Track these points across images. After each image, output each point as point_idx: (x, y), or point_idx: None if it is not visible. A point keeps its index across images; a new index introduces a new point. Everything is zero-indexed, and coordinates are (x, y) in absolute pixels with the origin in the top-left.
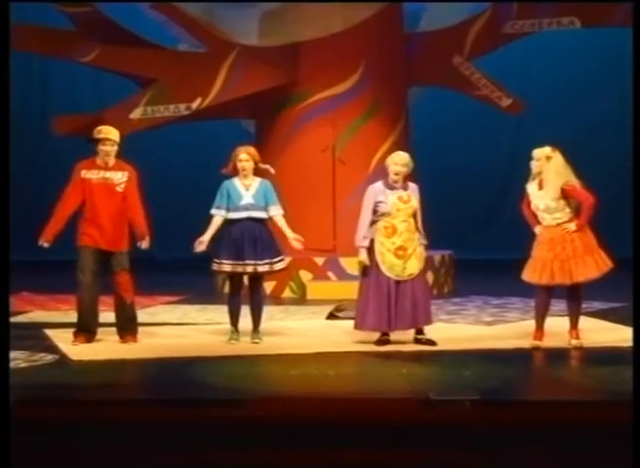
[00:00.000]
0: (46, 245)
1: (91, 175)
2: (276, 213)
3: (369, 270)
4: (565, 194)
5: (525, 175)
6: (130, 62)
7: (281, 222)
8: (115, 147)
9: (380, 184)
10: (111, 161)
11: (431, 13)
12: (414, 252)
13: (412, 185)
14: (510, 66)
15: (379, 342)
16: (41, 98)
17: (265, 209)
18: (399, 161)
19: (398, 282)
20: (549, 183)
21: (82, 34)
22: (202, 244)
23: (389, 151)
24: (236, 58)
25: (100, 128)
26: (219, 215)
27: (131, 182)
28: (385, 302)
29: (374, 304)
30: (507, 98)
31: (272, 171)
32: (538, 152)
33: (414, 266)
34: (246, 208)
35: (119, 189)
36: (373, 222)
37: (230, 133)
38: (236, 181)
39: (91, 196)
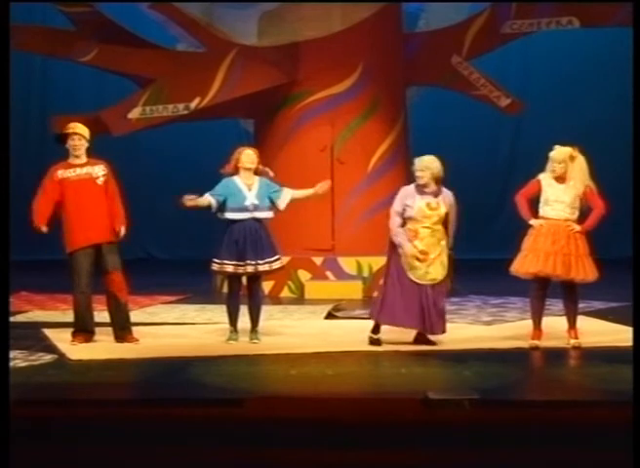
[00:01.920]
0: (45, 229)
1: (68, 173)
2: (284, 204)
3: (398, 268)
4: (583, 196)
5: (524, 174)
6: (128, 62)
7: (297, 193)
8: (83, 142)
9: (411, 187)
10: (83, 157)
11: (430, 13)
12: (438, 257)
13: (445, 192)
14: (509, 66)
15: (371, 342)
16: (42, 98)
17: (271, 207)
18: (417, 165)
19: (420, 285)
20: (576, 181)
21: (81, 34)
22: (190, 200)
23: (388, 151)
24: (235, 57)
25: (69, 124)
26: (212, 200)
27: (110, 177)
28: (415, 302)
29: (401, 302)
30: (506, 98)
31: (271, 174)
32: (559, 154)
33: (437, 272)
34: (249, 209)
35: (99, 182)
36: (402, 224)
37: (230, 132)
38: (237, 180)
39: (72, 194)
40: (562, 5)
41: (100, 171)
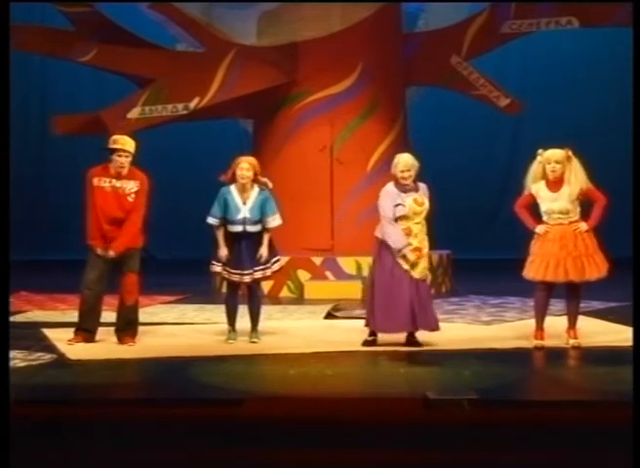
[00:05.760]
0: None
1: (103, 183)
2: (270, 226)
3: (387, 271)
4: (582, 194)
5: (523, 174)
6: (128, 62)
7: (266, 238)
8: (129, 159)
9: (392, 187)
10: (124, 171)
11: (430, 13)
12: (426, 254)
13: (422, 186)
14: (508, 66)
15: (365, 343)
16: (42, 98)
17: (261, 221)
18: (404, 167)
19: (417, 282)
20: (571, 184)
21: (81, 34)
22: (224, 257)
23: (387, 151)
24: (234, 57)
25: (116, 137)
26: (215, 224)
27: (141, 192)
28: (408, 303)
29: (396, 306)
30: (505, 98)
31: (270, 185)
32: (557, 154)
33: (425, 268)
34: (242, 222)
35: (130, 199)
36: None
37: (230, 132)
38: (234, 192)
39: (101, 201)
40: (561, 5)
41: (133, 187)
